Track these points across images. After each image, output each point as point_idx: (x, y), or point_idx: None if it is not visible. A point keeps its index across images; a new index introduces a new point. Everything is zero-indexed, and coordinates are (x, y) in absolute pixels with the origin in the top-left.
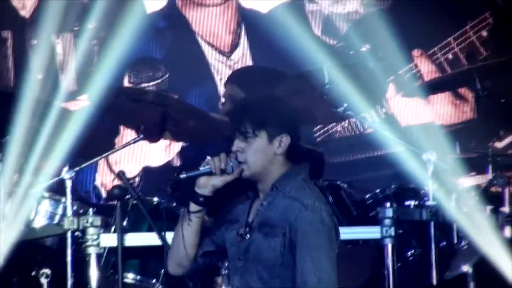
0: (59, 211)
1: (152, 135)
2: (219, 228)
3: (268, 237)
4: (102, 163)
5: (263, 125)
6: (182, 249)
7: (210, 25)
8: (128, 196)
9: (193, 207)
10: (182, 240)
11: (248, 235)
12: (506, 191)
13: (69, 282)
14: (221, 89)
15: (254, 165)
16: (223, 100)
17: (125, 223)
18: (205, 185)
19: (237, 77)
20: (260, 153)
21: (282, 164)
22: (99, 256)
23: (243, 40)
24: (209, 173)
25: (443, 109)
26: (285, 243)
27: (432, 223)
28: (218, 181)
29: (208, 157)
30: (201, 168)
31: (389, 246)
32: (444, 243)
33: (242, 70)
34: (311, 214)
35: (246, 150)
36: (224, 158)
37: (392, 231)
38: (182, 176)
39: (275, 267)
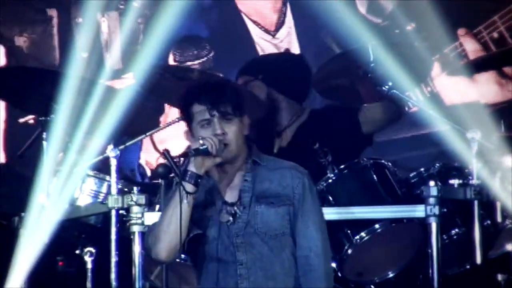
0: (104, 189)
1: None
2: (195, 212)
3: (274, 206)
4: (146, 142)
5: (240, 106)
6: (177, 232)
7: (256, 3)
8: (172, 175)
9: (190, 187)
10: (179, 223)
11: (240, 212)
12: None
13: (113, 260)
14: None
15: (236, 146)
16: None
17: None
18: (201, 165)
19: (247, 68)
20: (239, 134)
21: (245, 144)
22: (143, 234)
23: (289, 19)
24: (206, 153)
25: (488, 88)
26: (290, 211)
27: (476, 202)
28: (211, 162)
29: (201, 137)
30: (200, 148)
31: (433, 225)
32: (488, 222)
33: (250, 61)
34: (307, 181)
35: (228, 132)
36: (216, 140)
37: (436, 210)
38: (191, 153)
39: (284, 235)
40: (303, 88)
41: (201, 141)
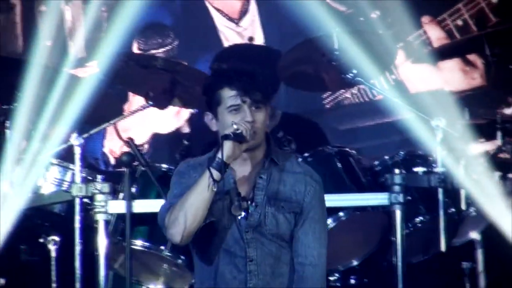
0: (68, 178)
1: (161, 102)
2: None
3: (284, 211)
4: (110, 130)
5: (270, 95)
6: (198, 219)
7: None
8: (136, 163)
9: (216, 175)
10: (203, 209)
11: (253, 209)
12: None
13: (77, 248)
14: None
15: (261, 135)
16: None
17: (133, 189)
18: (232, 153)
19: (224, 56)
20: (265, 123)
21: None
22: (107, 222)
23: (253, 7)
24: (240, 138)
25: (452, 76)
26: (296, 218)
27: (440, 190)
28: (239, 150)
29: (236, 122)
30: (236, 132)
31: (398, 213)
32: (453, 209)
33: (229, 48)
34: (319, 189)
35: (257, 120)
36: (249, 126)
37: (400, 198)
38: (230, 136)
39: (289, 241)
40: (277, 87)
41: (235, 126)
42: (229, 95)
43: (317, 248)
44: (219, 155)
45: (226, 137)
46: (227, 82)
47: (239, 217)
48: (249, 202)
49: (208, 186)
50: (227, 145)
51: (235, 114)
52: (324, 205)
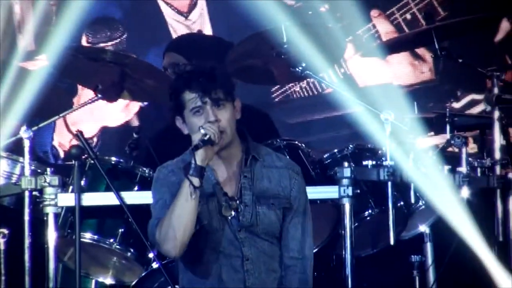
0: (17, 171)
1: (110, 95)
2: None
3: (275, 208)
4: (60, 123)
5: (232, 91)
6: (187, 229)
7: None
8: (85, 156)
9: (196, 181)
10: (191, 218)
11: (243, 209)
12: (463, 151)
13: (27, 241)
14: None
15: (230, 132)
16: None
17: (82, 182)
18: (205, 157)
19: (177, 45)
20: (232, 120)
21: (235, 129)
22: (56, 215)
23: (201, 1)
24: (210, 143)
25: (401, 70)
26: (285, 212)
27: (389, 183)
28: (212, 152)
29: (203, 126)
30: (205, 138)
31: (347, 206)
32: (402, 203)
33: (181, 37)
34: (302, 181)
35: (222, 119)
36: (216, 128)
37: (349, 191)
38: (199, 145)
39: (279, 237)
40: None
41: (202, 131)
42: (189, 98)
43: (307, 240)
44: (193, 161)
45: (196, 147)
46: (186, 85)
47: (230, 218)
48: (237, 202)
49: (190, 195)
50: (199, 153)
51: (199, 116)
52: (307, 196)
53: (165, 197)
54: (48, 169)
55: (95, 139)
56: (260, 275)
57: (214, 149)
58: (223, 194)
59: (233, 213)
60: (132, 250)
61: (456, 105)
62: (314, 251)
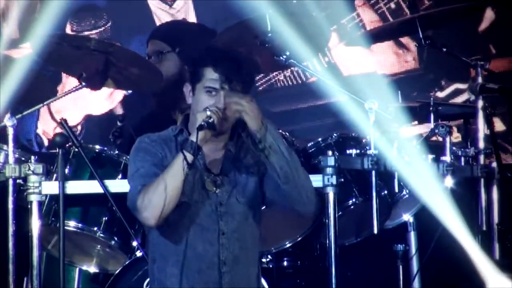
0: (1, 158)
1: (94, 83)
2: None
3: (254, 176)
4: (44, 111)
5: (250, 87)
6: (172, 201)
7: None
8: (69, 144)
9: (190, 158)
10: (177, 192)
11: (224, 181)
12: (447, 140)
13: (10, 229)
14: None
15: (230, 124)
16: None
17: (66, 170)
18: (203, 138)
19: (161, 32)
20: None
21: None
22: (40, 203)
23: None
24: (211, 127)
25: (385, 59)
26: (264, 180)
27: (373, 172)
28: (209, 136)
29: (210, 109)
30: (209, 121)
31: (331, 195)
32: (385, 192)
33: (165, 25)
34: None
35: (229, 112)
36: (221, 114)
37: (333, 180)
38: (204, 125)
39: (259, 205)
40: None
41: (208, 113)
42: (210, 76)
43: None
44: (192, 138)
45: (201, 127)
46: (213, 63)
47: (211, 192)
48: (221, 177)
49: (182, 169)
50: (200, 133)
51: (210, 97)
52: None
53: (147, 165)
54: (32, 157)
55: (79, 127)
56: (234, 251)
57: (211, 133)
58: (206, 170)
59: (214, 188)
60: (116, 239)
61: (440, 94)
62: (298, 239)
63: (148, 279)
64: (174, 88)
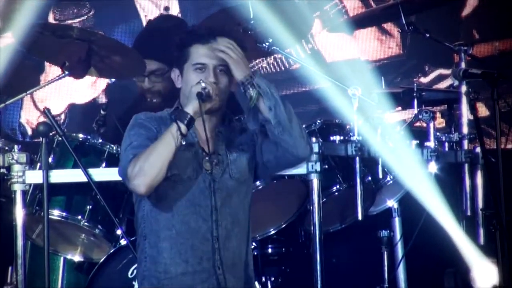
0: None
1: (77, 72)
2: None
3: (245, 152)
4: (27, 101)
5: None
6: (164, 170)
7: None
8: (53, 133)
9: (184, 129)
10: (168, 161)
11: (218, 160)
12: (431, 126)
13: None
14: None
15: (222, 98)
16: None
17: (50, 159)
18: (197, 109)
19: (157, 53)
20: (227, 89)
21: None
22: (24, 193)
23: None
24: (207, 97)
25: (368, 45)
26: (253, 155)
27: (357, 158)
28: (203, 109)
29: (204, 81)
30: (204, 91)
31: (315, 181)
32: (369, 178)
33: (158, 40)
34: None
35: (220, 83)
36: (215, 86)
37: (317, 166)
38: (202, 93)
39: (250, 180)
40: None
41: (203, 84)
42: (197, 52)
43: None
44: (187, 110)
45: (200, 95)
46: (199, 39)
47: (207, 172)
48: (215, 156)
49: (176, 139)
50: (194, 104)
51: (199, 73)
52: None
53: (140, 139)
54: (16, 146)
55: (62, 116)
56: (226, 226)
57: (205, 107)
58: (201, 148)
59: (211, 168)
60: (100, 227)
61: (424, 80)
62: (282, 226)
63: (133, 267)
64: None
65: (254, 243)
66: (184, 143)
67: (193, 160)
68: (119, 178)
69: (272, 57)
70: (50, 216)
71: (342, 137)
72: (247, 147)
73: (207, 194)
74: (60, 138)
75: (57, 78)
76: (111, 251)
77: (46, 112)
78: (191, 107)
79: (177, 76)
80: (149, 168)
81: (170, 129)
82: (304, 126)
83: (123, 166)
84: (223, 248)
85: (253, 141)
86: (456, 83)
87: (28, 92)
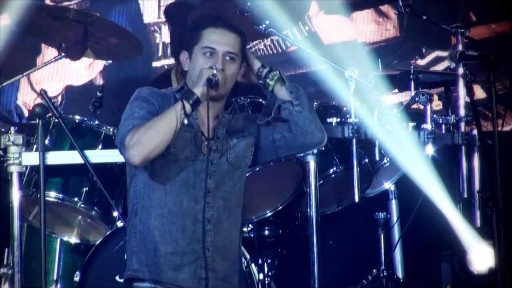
0: None
1: (73, 53)
2: None
3: (244, 138)
4: (24, 82)
5: (244, 51)
6: (162, 145)
7: None
8: (50, 115)
9: (189, 109)
10: (168, 138)
11: (217, 145)
12: (428, 108)
13: None
14: (143, 7)
15: (228, 86)
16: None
17: (47, 141)
18: (205, 94)
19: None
20: (234, 77)
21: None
22: (20, 174)
23: None
24: (215, 84)
25: (365, 27)
26: (254, 142)
27: (354, 140)
28: (209, 95)
29: (215, 67)
30: (214, 78)
31: (311, 164)
32: (366, 160)
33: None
34: None
35: (227, 71)
36: (224, 75)
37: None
38: (212, 80)
39: (246, 166)
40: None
41: (214, 71)
42: (209, 37)
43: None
44: (195, 90)
45: (210, 81)
46: (213, 23)
47: (205, 156)
48: (214, 142)
49: (179, 117)
50: (204, 88)
51: (208, 58)
52: None
53: (143, 111)
54: (12, 128)
55: (59, 98)
56: (218, 209)
57: (211, 93)
58: (201, 132)
59: (211, 154)
60: (96, 209)
61: (421, 62)
62: (279, 208)
63: None
64: None
65: (250, 225)
66: (186, 122)
67: (192, 142)
68: (116, 160)
69: (269, 39)
70: (46, 198)
71: (339, 119)
72: (247, 134)
73: (203, 176)
74: (56, 120)
75: (53, 59)
76: (108, 233)
77: (42, 93)
78: (199, 90)
79: (185, 58)
80: (147, 141)
81: (175, 106)
82: None
83: (122, 134)
84: (213, 231)
85: (254, 127)
86: (453, 65)
87: (24, 74)
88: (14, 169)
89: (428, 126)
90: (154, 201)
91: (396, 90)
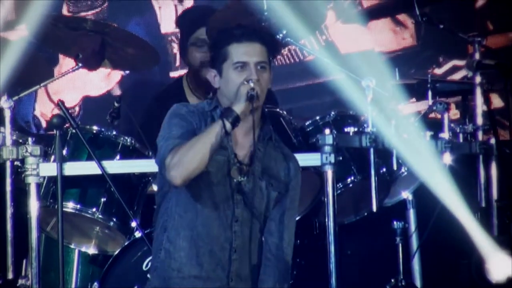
0: None
1: (91, 64)
2: None
3: (272, 189)
4: (41, 93)
5: (274, 57)
6: (202, 165)
7: None
8: (67, 125)
9: (229, 127)
10: (207, 157)
11: (248, 177)
12: (445, 117)
13: (9, 211)
14: (160, 17)
15: (263, 96)
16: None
17: (64, 152)
18: (244, 110)
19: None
20: (267, 86)
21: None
22: (38, 185)
23: None
24: (255, 98)
25: (382, 36)
26: (278, 197)
27: (371, 150)
28: (247, 111)
29: (252, 81)
30: (252, 93)
31: (329, 173)
32: (384, 169)
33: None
34: (300, 175)
35: (262, 80)
36: (261, 86)
37: (332, 158)
38: (250, 97)
39: (265, 219)
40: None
41: (252, 84)
42: (235, 52)
43: (292, 234)
44: (235, 108)
45: (252, 97)
46: (236, 38)
47: (235, 180)
48: (247, 167)
49: (219, 136)
50: (244, 105)
51: (240, 72)
52: (299, 194)
53: (181, 131)
54: (30, 139)
55: (76, 108)
56: (244, 239)
57: (249, 108)
58: (234, 155)
59: (240, 177)
60: (114, 219)
61: (438, 71)
62: (297, 218)
63: (148, 260)
64: None
65: None
66: (221, 139)
67: (225, 166)
68: (133, 171)
69: (286, 48)
70: (64, 209)
71: (356, 129)
72: (276, 185)
73: (231, 204)
74: (74, 131)
75: (71, 70)
76: (126, 243)
77: (60, 104)
78: (240, 107)
79: (213, 76)
80: (188, 162)
81: (215, 125)
82: (318, 117)
83: (163, 155)
84: (238, 260)
85: (286, 188)
86: (470, 74)
87: (42, 85)
88: (31, 180)
89: (445, 135)
90: (185, 222)
91: (414, 99)
